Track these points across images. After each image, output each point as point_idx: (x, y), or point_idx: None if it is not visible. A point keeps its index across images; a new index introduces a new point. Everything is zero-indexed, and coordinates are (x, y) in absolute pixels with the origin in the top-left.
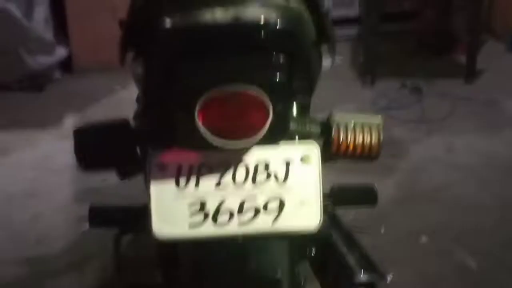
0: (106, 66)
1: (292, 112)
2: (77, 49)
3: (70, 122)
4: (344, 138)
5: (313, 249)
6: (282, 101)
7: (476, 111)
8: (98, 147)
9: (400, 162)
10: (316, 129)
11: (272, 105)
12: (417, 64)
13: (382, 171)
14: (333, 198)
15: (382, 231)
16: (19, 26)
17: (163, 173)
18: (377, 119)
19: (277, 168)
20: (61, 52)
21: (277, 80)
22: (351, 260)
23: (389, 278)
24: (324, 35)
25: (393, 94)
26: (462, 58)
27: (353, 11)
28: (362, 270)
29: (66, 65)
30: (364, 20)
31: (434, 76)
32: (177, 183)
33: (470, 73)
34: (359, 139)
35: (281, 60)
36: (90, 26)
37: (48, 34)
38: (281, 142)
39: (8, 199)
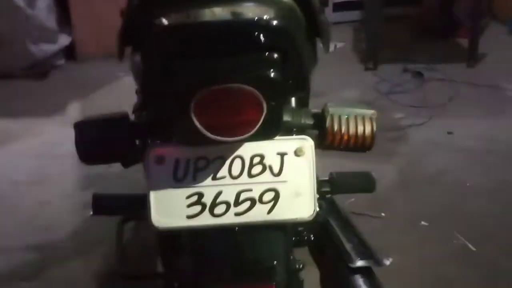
0: (109, 53)
1: (286, 107)
2: (80, 36)
3: (74, 109)
4: (338, 130)
5: (312, 235)
6: (276, 97)
7: (478, 95)
8: (98, 141)
9: (401, 147)
10: (310, 121)
11: (266, 102)
12: (420, 48)
13: (382, 156)
14: (332, 185)
15: (383, 215)
16: (22, 14)
17: (161, 166)
18: (370, 111)
19: (272, 161)
20: (64, 39)
21: (271, 77)
22: (348, 245)
23: (388, 262)
24: (317, 30)
25: (396, 79)
26: (465, 42)
27: None
28: (359, 255)
29: (70, 52)
30: (367, 4)
31: (436, 61)
32: (175, 176)
33: (472, 57)
34: (353, 131)
35: (275, 57)
36: (92, 13)
37: (51, 22)
38: (277, 135)
39: (14, 187)
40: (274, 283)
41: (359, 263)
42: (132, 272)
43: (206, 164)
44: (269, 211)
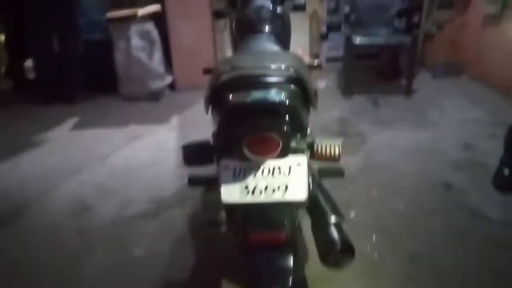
0: (195, 86)
1: (293, 142)
2: (178, 76)
3: (175, 120)
4: (320, 153)
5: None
6: (286, 139)
7: (411, 116)
8: (194, 156)
9: (363, 146)
10: (306, 147)
11: (281, 141)
12: (377, 86)
13: (353, 151)
14: (319, 174)
15: (351, 187)
16: (145, 64)
17: (226, 170)
18: (339, 140)
19: (285, 169)
20: (169, 78)
21: (284, 130)
22: (327, 208)
23: (352, 213)
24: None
25: (362, 104)
26: (404, 82)
27: (339, 52)
28: (332, 215)
29: (172, 86)
30: (345, 59)
31: (386, 94)
32: (234, 175)
33: (408, 93)
34: (328, 153)
35: (286, 119)
36: (186, 63)
37: (161, 68)
38: (287, 156)
39: (140, 166)
40: (284, 231)
41: (332, 219)
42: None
43: (250, 170)
44: (283, 195)
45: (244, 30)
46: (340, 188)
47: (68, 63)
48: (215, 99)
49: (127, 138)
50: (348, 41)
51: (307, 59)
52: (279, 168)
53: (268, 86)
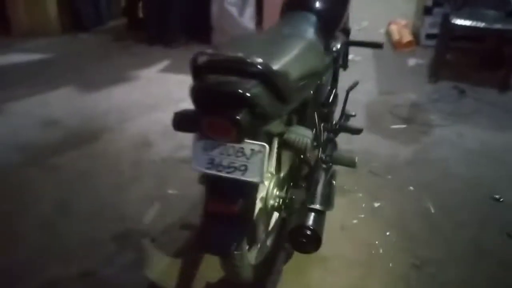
0: None
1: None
2: None
3: None
4: (288, 142)
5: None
6: (239, 126)
7: (496, 114)
8: (182, 122)
9: (423, 138)
10: (276, 135)
11: (234, 129)
12: (470, 73)
13: (409, 141)
14: (332, 160)
15: (389, 177)
16: (236, 19)
17: (199, 142)
18: (309, 134)
19: (247, 152)
20: None
21: (236, 118)
22: (317, 193)
23: (376, 204)
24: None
25: (444, 91)
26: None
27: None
28: (318, 201)
29: None
30: (439, 36)
31: (478, 84)
32: (204, 147)
33: (504, 87)
34: (296, 144)
35: (242, 108)
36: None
37: (251, 24)
38: (243, 141)
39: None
40: (237, 205)
41: (316, 205)
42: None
43: (218, 146)
44: (242, 175)
45: (290, 4)
46: (375, 176)
47: (170, 9)
48: (194, 76)
49: None
50: (446, 20)
51: (407, 33)
52: (242, 150)
53: (235, 75)
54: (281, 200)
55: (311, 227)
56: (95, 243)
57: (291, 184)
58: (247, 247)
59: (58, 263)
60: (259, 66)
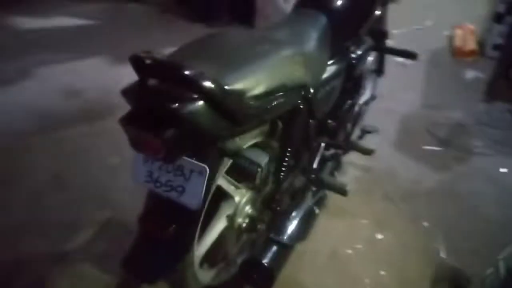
0: None
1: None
2: None
3: None
4: (238, 168)
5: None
6: (169, 146)
7: None
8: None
9: (458, 165)
10: (224, 157)
11: (163, 148)
12: None
13: (439, 167)
14: (317, 182)
15: (404, 205)
16: (279, 6)
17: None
18: (265, 159)
19: (186, 172)
20: None
21: (166, 137)
22: (286, 225)
23: (379, 236)
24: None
25: (497, 115)
26: None
27: None
28: (285, 234)
29: None
30: (502, 51)
31: None
32: (144, 160)
33: None
34: (243, 170)
35: (173, 128)
36: None
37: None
38: (190, 160)
39: None
40: (169, 229)
41: (283, 238)
42: None
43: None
44: (178, 197)
45: (302, 0)
46: (388, 202)
47: None
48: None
49: None
50: None
51: (471, 40)
52: (181, 169)
53: (180, 87)
54: (251, 220)
55: (266, 264)
56: (76, 227)
57: (272, 204)
58: (197, 267)
59: (32, 240)
60: (205, 84)
